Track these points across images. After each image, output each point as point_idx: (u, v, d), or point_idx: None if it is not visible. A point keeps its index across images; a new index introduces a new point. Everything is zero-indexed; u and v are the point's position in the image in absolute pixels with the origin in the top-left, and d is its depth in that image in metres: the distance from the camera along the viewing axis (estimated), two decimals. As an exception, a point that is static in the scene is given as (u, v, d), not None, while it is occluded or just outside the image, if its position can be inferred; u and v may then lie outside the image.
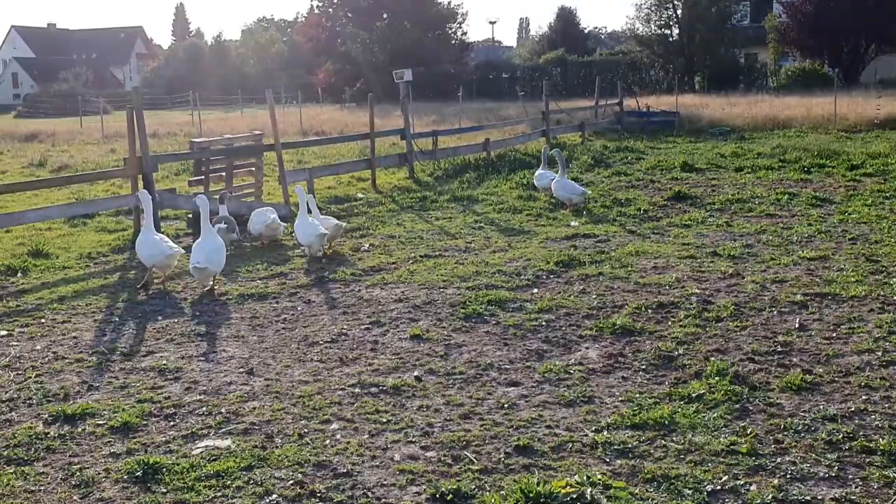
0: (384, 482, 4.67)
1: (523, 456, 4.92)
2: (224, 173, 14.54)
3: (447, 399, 5.80)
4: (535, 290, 8.49)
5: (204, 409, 5.82)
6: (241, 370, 6.59)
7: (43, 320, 8.25)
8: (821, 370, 6.06)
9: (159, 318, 8.21)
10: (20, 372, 6.73)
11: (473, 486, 4.57)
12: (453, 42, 64.34)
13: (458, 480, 4.63)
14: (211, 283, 9.16)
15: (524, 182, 15.87)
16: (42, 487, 4.77)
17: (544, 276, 9.04)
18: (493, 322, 7.52)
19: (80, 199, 15.67)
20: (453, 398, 5.81)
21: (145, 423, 5.62)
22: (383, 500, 4.49)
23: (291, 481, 4.69)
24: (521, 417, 5.45)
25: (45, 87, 77.74)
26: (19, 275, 10.24)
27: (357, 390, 6.03)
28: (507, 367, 6.41)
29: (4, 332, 7.83)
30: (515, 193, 14.91)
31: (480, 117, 33.24)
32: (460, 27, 65.75)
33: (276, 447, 5.14)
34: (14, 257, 11.07)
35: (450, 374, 6.30)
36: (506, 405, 5.67)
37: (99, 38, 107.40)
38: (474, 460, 4.88)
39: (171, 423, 5.60)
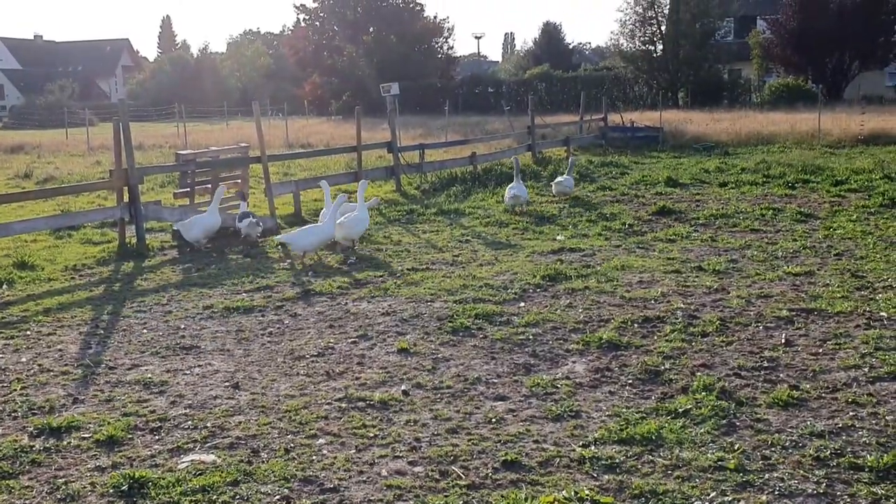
0: (371, 497, 4.65)
1: (511, 471, 4.91)
2: (210, 185, 14.52)
3: (435, 413, 5.79)
4: (522, 304, 8.50)
5: (189, 423, 5.78)
6: (227, 384, 6.55)
7: (28, 332, 8.19)
8: (807, 386, 6.09)
9: (144, 331, 8.16)
10: (5, 384, 6.67)
11: (461, 502, 4.55)
12: (440, 56, 64.62)
13: (446, 496, 4.61)
14: (351, 246, 11.59)
15: (511, 196, 15.91)
16: (27, 501, 4.73)
17: (531, 290, 9.05)
18: (481, 336, 7.52)
19: (65, 210, 15.59)
20: (441, 412, 5.80)
21: (131, 436, 5.58)
22: (371, 515, 4.47)
23: (278, 496, 4.67)
24: (509, 432, 5.44)
25: (31, 99, 77.35)
26: (4, 287, 10.17)
27: (344, 404, 6.01)
28: (494, 381, 6.41)
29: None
30: (502, 207, 14.93)
31: (467, 131, 33.34)
32: (446, 41, 66.13)
33: (263, 462, 5.11)
34: (-2, 269, 11.00)
35: (437, 388, 6.29)
36: (493, 420, 5.66)
37: (85, 51, 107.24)
38: (462, 475, 4.86)
39: (157, 437, 5.57)
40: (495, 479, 4.81)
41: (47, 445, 5.46)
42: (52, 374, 6.92)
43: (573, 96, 48.81)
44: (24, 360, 7.32)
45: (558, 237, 12.18)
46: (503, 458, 5.05)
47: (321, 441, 5.40)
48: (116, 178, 12.66)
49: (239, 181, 15.19)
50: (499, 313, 8.14)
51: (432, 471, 4.93)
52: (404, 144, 21.07)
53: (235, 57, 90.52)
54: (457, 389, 6.25)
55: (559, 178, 16.31)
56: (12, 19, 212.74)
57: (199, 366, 7.04)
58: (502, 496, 4.59)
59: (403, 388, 6.29)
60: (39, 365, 7.14)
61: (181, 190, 14.34)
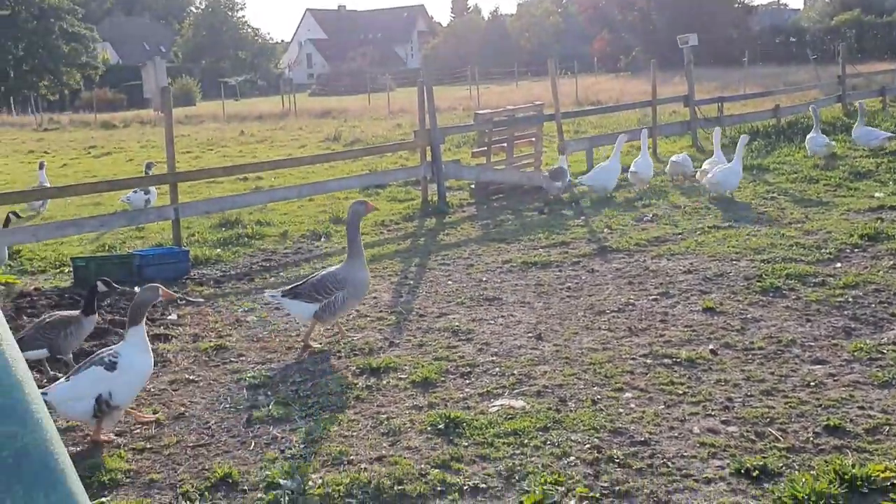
0: (684, 453, 4.55)
1: (834, 437, 4.61)
2: (505, 144, 14.83)
3: (746, 374, 5.55)
4: (839, 265, 7.92)
5: (497, 369, 5.96)
6: (530, 335, 6.68)
7: (346, 281, 8.81)
8: None
9: (449, 282, 8.51)
10: (329, 327, 7.24)
11: (781, 464, 4.34)
12: (736, 6, 61.51)
13: (764, 457, 4.41)
14: (643, 186, 12.78)
15: (819, 150, 14.86)
16: (354, 433, 5.10)
17: (848, 250, 8.41)
18: (793, 297, 7.09)
19: (372, 170, 16.57)
20: (753, 374, 5.55)
21: (443, 379, 5.85)
22: (684, 470, 4.37)
23: (588, 445, 4.69)
24: (830, 397, 5.11)
25: (336, 67, 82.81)
26: (322, 239, 11.03)
27: (649, 360, 5.93)
28: (810, 343, 6.03)
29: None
30: (810, 162, 13.99)
31: (767, 83, 31.55)
32: (744, -10, 62.71)
33: (570, 411, 5.17)
34: (317, 223, 11.95)
35: (748, 349, 6.02)
36: (812, 383, 5.33)
37: (384, 18, 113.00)
38: (780, 438, 4.63)
39: (467, 382, 5.79)
40: (817, 444, 4.54)
41: (369, 384, 5.86)
42: (369, 319, 7.42)
43: (888, 43, 44.63)
44: (344, 305, 7.89)
45: (877, 194, 11.21)
46: (825, 423, 4.74)
47: (628, 395, 5.36)
48: (420, 139, 13.26)
49: (533, 139, 15.39)
50: (812, 274, 7.64)
51: (747, 431, 4.74)
52: (700, 98, 20.28)
53: (525, 17, 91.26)
54: (769, 351, 5.95)
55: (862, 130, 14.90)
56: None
57: (503, 316, 7.23)
58: (826, 461, 4.31)
59: (711, 346, 6.09)
60: (357, 311, 7.67)
61: (479, 149, 14.76)
